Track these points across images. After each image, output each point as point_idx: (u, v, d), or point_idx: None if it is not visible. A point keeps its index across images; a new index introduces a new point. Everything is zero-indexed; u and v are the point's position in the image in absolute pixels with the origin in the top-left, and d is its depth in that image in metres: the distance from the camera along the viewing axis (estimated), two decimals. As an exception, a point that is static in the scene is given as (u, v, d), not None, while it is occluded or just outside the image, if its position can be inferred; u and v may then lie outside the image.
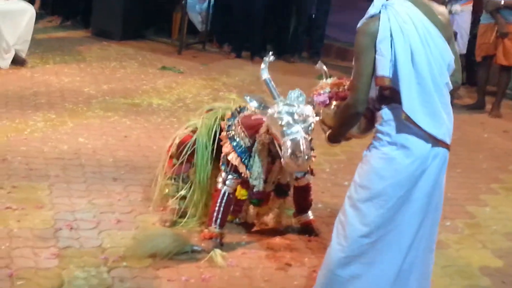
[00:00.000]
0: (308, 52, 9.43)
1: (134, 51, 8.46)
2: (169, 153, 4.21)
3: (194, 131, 4.20)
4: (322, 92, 3.36)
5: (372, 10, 3.04)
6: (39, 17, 8.67)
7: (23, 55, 7.12)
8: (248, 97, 3.84)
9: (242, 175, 3.94)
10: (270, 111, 3.69)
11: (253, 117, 4.02)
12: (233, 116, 4.10)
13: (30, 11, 7.14)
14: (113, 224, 4.07)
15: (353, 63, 3.10)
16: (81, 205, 4.25)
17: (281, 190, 4.23)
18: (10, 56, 6.95)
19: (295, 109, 3.62)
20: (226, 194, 3.95)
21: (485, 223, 4.86)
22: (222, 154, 4.01)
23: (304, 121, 3.61)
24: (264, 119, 3.86)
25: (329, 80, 3.40)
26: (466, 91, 8.53)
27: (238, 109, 4.16)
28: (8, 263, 3.53)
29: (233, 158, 3.93)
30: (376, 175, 3.08)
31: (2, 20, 6.80)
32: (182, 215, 4.17)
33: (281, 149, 3.64)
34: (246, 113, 4.11)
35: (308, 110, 3.62)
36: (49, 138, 5.25)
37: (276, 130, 3.66)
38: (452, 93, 3.20)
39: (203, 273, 3.70)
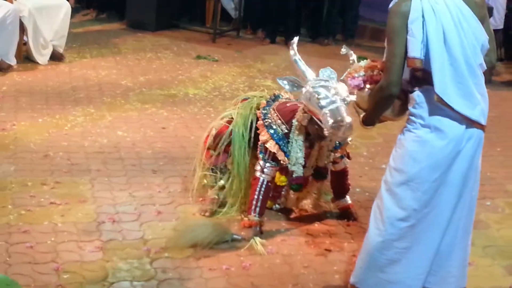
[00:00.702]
0: (343, 34, 9.38)
1: (168, 41, 8.52)
2: (206, 145, 4.26)
3: (230, 122, 4.24)
4: (356, 75, 3.33)
5: None
6: (74, 11, 8.83)
7: (61, 50, 7.22)
8: (281, 80, 3.89)
9: (281, 162, 3.98)
10: (304, 89, 3.77)
11: (288, 104, 4.07)
12: (268, 104, 4.14)
13: (66, 5, 7.24)
14: (154, 216, 4.15)
15: (385, 44, 3.09)
16: (122, 198, 4.34)
17: (319, 173, 4.26)
18: (48, 52, 7.06)
19: (329, 84, 3.72)
20: (265, 183, 3.99)
21: (526, 201, 4.83)
22: (260, 142, 4.04)
23: (339, 94, 3.70)
24: (299, 103, 3.92)
25: (363, 63, 3.38)
26: (504, 67, 8.42)
27: (273, 97, 4.21)
28: (54, 257, 3.63)
29: (271, 145, 3.96)
30: (410, 158, 3.08)
31: (39, 16, 6.90)
32: (222, 204, 4.23)
33: (321, 123, 3.70)
34: (281, 100, 4.15)
35: (341, 86, 3.72)
36: (89, 132, 5.35)
37: (314, 105, 3.72)
38: (487, 73, 3.18)
39: (243, 261, 3.76)
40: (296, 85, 3.84)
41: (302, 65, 3.86)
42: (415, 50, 2.97)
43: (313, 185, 4.35)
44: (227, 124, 4.25)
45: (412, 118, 3.10)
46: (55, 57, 7.13)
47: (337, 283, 3.68)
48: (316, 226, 4.23)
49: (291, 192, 4.29)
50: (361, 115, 3.35)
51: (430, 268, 3.23)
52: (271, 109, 4.07)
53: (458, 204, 3.14)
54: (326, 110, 3.66)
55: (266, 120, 4.03)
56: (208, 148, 4.26)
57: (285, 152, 3.96)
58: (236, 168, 4.17)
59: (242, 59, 8.01)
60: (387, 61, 3.05)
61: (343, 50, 3.79)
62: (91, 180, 4.54)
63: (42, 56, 7.00)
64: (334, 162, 4.20)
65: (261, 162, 4.02)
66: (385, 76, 3.08)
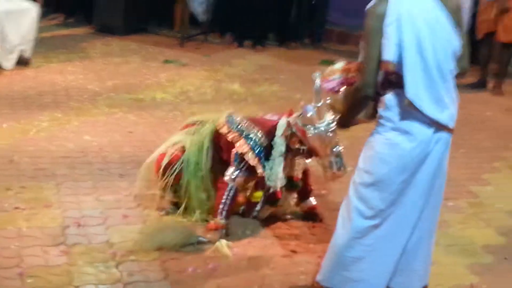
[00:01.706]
0: (310, 38, 9.45)
1: (137, 45, 8.52)
2: (157, 173, 4.18)
3: (182, 150, 4.17)
4: (331, 78, 3.37)
5: None
6: (42, 15, 8.75)
7: (27, 55, 7.16)
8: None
9: (257, 174, 3.99)
10: (315, 130, 3.75)
11: (257, 117, 4.15)
12: (230, 117, 4.13)
13: (34, 10, 7.17)
14: (120, 220, 4.15)
15: (360, 46, 3.12)
16: (88, 202, 4.33)
17: (291, 184, 4.24)
18: (14, 57, 6.99)
19: (333, 126, 3.73)
20: (233, 189, 4.00)
21: (488, 201, 4.92)
22: (235, 151, 3.99)
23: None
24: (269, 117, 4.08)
25: (338, 66, 3.41)
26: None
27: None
28: (18, 262, 3.61)
29: (251, 158, 3.93)
30: (379, 160, 3.14)
31: (6, 20, 6.82)
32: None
33: (320, 159, 3.88)
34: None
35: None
36: (56, 137, 5.33)
37: (323, 147, 3.80)
38: (459, 78, 3.21)
39: (209, 263, 3.78)
40: (307, 123, 3.82)
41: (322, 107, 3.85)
42: (388, 53, 3.00)
43: (285, 196, 4.36)
44: (178, 152, 4.16)
45: (382, 121, 3.15)
46: (22, 62, 7.08)
47: (302, 283, 3.71)
48: (282, 228, 4.26)
49: (267, 206, 4.30)
50: (337, 117, 3.40)
51: (396, 267, 3.28)
52: (242, 120, 4.07)
53: (424, 205, 3.20)
54: (333, 156, 3.82)
55: (242, 130, 4.00)
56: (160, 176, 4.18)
57: (263, 166, 3.96)
58: (193, 191, 4.14)
59: (210, 63, 8.04)
60: (363, 62, 3.09)
61: (314, 76, 3.84)
62: (57, 184, 4.53)
63: (8, 61, 6.92)
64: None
65: (233, 170, 4.00)
66: (361, 78, 3.11)
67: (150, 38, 8.98)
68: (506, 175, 5.44)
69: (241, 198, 4.32)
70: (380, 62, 3.04)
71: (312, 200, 4.38)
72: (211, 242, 3.94)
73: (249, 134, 3.97)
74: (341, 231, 3.28)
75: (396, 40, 2.99)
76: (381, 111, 3.15)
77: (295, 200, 4.44)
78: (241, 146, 3.96)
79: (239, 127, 4.01)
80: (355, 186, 3.23)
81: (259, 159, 3.94)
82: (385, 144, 3.12)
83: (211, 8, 9.31)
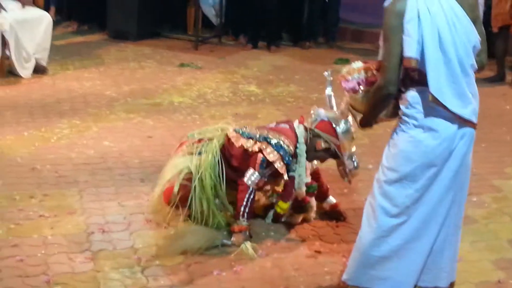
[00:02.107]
0: (324, 37, 9.43)
1: (151, 50, 8.53)
2: (168, 205, 4.11)
3: (189, 177, 4.08)
4: (350, 78, 3.33)
5: None
6: (56, 23, 8.79)
7: (44, 63, 7.20)
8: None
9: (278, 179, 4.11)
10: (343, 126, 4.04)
11: (277, 126, 4.15)
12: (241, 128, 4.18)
13: (47, 18, 7.21)
14: (143, 224, 4.16)
15: (379, 42, 3.11)
16: (111, 208, 4.35)
17: (308, 187, 4.24)
18: (31, 65, 7.04)
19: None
20: (253, 191, 4.00)
21: (512, 195, 4.89)
22: (262, 157, 3.95)
23: None
24: (283, 124, 4.15)
25: (356, 65, 3.38)
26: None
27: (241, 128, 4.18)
28: (45, 269, 3.63)
29: (280, 166, 3.95)
30: (404, 158, 3.12)
31: (20, 30, 6.87)
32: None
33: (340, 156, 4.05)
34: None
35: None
36: (76, 144, 5.35)
37: (347, 144, 4.04)
38: (477, 73, 3.19)
39: (234, 266, 3.77)
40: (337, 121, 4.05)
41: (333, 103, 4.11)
42: (411, 50, 2.98)
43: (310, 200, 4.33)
44: (186, 182, 4.07)
45: (405, 118, 3.13)
46: (38, 70, 7.11)
47: (327, 284, 3.70)
48: (305, 228, 4.25)
49: (296, 214, 4.29)
50: (358, 117, 3.37)
51: (424, 266, 3.26)
52: (264, 130, 4.07)
53: (451, 201, 3.18)
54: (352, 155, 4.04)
55: (269, 139, 3.97)
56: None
57: (288, 172, 4.03)
58: (207, 208, 4.07)
59: (225, 65, 8.04)
60: (384, 60, 3.07)
61: (325, 74, 4.05)
62: (79, 191, 4.55)
63: (25, 70, 6.97)
64: (339, 164, 4.21)
65: (256, 174, 3.97)
66: (383, 75, 3.09)
67: (164, 42, 8.99)
68: (529, 168, 5.40)
69: (263, 200, 4.33)
70: (401, 59, 3.02)
71: (332, 199, 4.39)
72: (236, 245, 3.93)
73: (277, 142, 3.96)
74: (367, 230, 3.26)
75: (417, 37, 2.97)
76: (403, 108, 3.13)
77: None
78: (270, 154, 3.94)
79: (263, 135, 4.00)
80: (379, 184, 3.22)
81: (287, 167, 3.99)
82: (409, 142, 3.11)
83: (223, 10, 9.32)
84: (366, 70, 3.30)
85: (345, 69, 3.41)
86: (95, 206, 4.35)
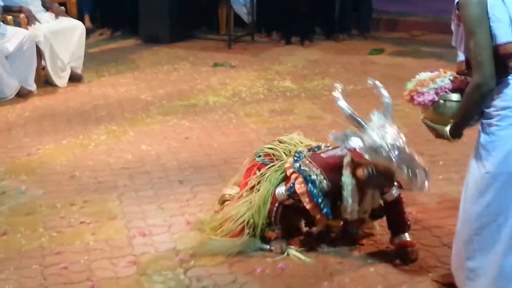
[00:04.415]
0: (357, 28, 9.34)
1: (184, 52, 8.55)
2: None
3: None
4: (425, 90, 3.11)
5: None
6: (89, 32, 8.91)
7: (79, 71, 7.27)
8: (334, 136, 3.55)
9: (317, 220, 3.78)
10: (364, 144, 3.44)
11: (322, 154, 3.79)
12: (299, 153, 3.88)
13: (80, 27, 7.29)
14: (184, 226, 4.15)
15: (453, 43, 2.95)
16: (151, 211, 4.35)
17: (375, 214, 3.90)
18: (66, 74, 7.11)
19: (387, 132, 3.42)
20: (281, 205, 3.83)
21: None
22: (291, 182, 3.74)
23: (400, 136, 3.45)
24: (335, 151, 3.72)
25: (425, 76, 3.17)
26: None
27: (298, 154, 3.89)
28: (89, 275, 3.64)
29: (305, 201, 3.69)
30: (508, 155, 2.90)
31: (54, 40, 6.95)
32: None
33: (392, 174, 3.48)
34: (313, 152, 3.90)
35: (393, 126, 3.49)
36: (113, 149, 5.37)
37: (381, 159, 3.41)
38: None
39: (278, 263, 3.74)
40: (350, 138, 3.49)
41: (356, 116, 3.48)
42: (505, 35, 2.81)
43: (368, 223, 4.03)
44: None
45: (503, 112, 2.89)
46: (74, 78, 7.18)
47: (373, 276, 3.64)
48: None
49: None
50: (447, 128, 3.07)
51: None
52: (304, 158, 3.79)
53: None
54: (399, 164, 3.37)
55: (302, 169, 3.72)
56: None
57: (321, 209, 3.68)
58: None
59: (259, 62, 8.01)
60: (477, 55, 2.84)
61: (369, 82, 3.65)
62: (119, 196, 4.56)
63: (61, 79, 7.05)
64: (382, 193, 3.78)
65: (284, 193, 3.78)
66: (479, 72, 2.85)
67: (197, 43, 9.00)
68: None
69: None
70: (495, 48, 2.82)
71: (406, 236, 3.83)
72: (277, 252, 3.84)
73: (309, 176, 3.66)
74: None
75: (508, 19, 2.81)
76: (498, 102, 2.90)
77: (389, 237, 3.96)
78: (299, 185, 3.70)
79: (301, 167, 3.74)
80: (478, 186, 3.01)
81: (317, 204, 3.67)
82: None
83: (255, 8, 9.29)
84: (439, 77, 3.11)
85: (411, 83, 3.21)
86: (135, 210, 4.36)
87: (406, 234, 3.82)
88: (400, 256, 3.77)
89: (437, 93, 3.08)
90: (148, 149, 5.37)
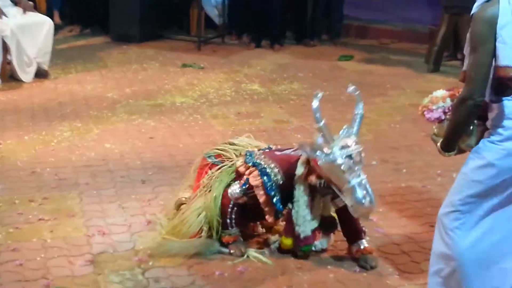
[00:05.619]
0: (328, 34, 9.37)
1: (154, 51, 8.49)
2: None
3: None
4: (434, 107, 3.14)
5: None
6: (59, 27, 8.82)
7: (45, 67, 7.18)
8: (303, 149, 3.61)
9: (266, 215, 3.78)
10: (325, 157, 3.49)
11: (276, 152, 3.83)
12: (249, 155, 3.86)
13: (48, 22, 7.21)
14: (144, 226, 4.11)
15: (464, 51, 2.96)
16: (111, 210, 4.30)
17: (327, 224, 3.87)
18: (32, 70, 7.02)
19: (351, 150, 3.48)
20: (236, 205, 3.80)
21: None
22: (246, 177, 3.75)
23: (361, 159, 3.51)
24: (289, 151, 3.75)
25: (439, 93, 3.19)
26: None
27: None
28: (45, 273, 3.59)
29: (259, 194, 3.71)
30: (493, 169, 2.91)
31: (21, 35, 6.87)
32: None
33: (341, 193, 3.53)
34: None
35: (356, 143, 3.53)
36: (76, 146, 5.31)
37: (337, 176, 3.49)
38: None
39: (237, 266, 3.72)
40: (316, 150, 3.53)
41: (323, 126, 3.52)
42: (507, 58, 2.80)
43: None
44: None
45: (499, 130, 2.91)
46: (40, 74, 7.10)
47: (332, 282, 3.64)
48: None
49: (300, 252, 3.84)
50: (439, 142, 3.12)
51: None
52: (259, 154, 3.81)
53: None
54: (353, 187, 3.44)
55: (257, 163, 3.74)
56: None
57: (274, 204, 3.71)
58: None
59: (228, 65, 7.99)
60: (471, 70, 2.86)
61: (350, 90, 3.70)
62: (79, 194, 4.51)
63: (26, 74, 6.96)
64: (333, 198, 3.73)
65: (237, 190, 3.77)
66: (468, 86, 2.88)
67: (166, 43, 8.95)
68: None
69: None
70: (495, 68, 2.83)
71: (363, 243, 3.82)
72: (238, 255, 3.81)
73: (264, 168, 3.70)
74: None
75: None
76: (495, 120, 2.92)
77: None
78: (254, 178, 3.72)
79: (256, 161, 3.77)
80: (461, 196, 3.00)
81: (270, 198, 3.70)
82: (501, 153, 2.90)
83: (226, 10, 9.28)
84: (452, 97, 3.12)
85: (426, 99, 3.22)
86: (95, 209, 4.31)
87: (363, 240, 3.81)
88: (359, 263, 3.77)
89: (444, 112, 3.12)
90: (112, 148, 5.32)
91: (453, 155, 3.11)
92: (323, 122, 3.52)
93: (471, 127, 3.00)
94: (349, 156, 3.47)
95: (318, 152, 3.52)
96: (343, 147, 3.49)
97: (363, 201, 3.44)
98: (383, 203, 4.45)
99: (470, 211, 2.98)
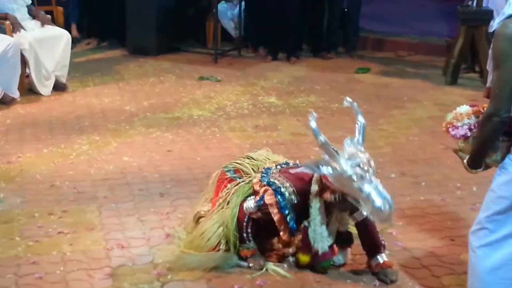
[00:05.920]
0: (344, 46, 9.37)
1: (170, 64, 8.53)
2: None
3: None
4: (459, 124, 3.12)
5: (510, 9, 2.79)
6: (76, 41, 8.88)
7: (63, 80, 7.24)
8: (308, 167, 3.58)
9: (281, 234, 3.77)
10: (334, 171, 3.46)
11: (291, 170, 3.81)
12: (266, 169, 3.90)
13: (66, 36, 7.26)
14: (163, 239, 4.11)
15: (487, 67, 2.93)
16: (130, 223, 4.31)
17: (343, 239, 3.85)
18: (50, 83, 7.08)
19: (358, 160, 3.45)
20: (250, 219, 3.81)
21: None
22: (261, 194, 3.74)
23: (370, 165, 3.47)
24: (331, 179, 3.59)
25: (463, 109, 3.17)
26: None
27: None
28: (64, 286, 3.60)
29: (274, 212, 3.71)
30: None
31: (39, 48, 6.92)
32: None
33: (358, 203, 3.51)
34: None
35: (362, 151, 3.51)
36: (95, 160, 5.33)
37: (350, 188, 3.45)
38: None
39: (256, 280, 3.71)
40: (323, 166, 3.50)
41: (325, 142, 3.50)
42: None
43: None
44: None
45: None
46: (58, 87, 7.15)
47: (351, 295, 3.63)
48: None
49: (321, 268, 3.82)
50: (465, 159, 3.10)
51: None
52: (273, 173, 3.82)
53: None
54: (369, 194, 3.39)
55: (272, 182, 3.74)
56: None
57: (288, 222, 3.71)
58: None
59: (245, 77, 8.00)
60: (496, 88, 2.84)
61: (346, 103, 3.69)
62: (98, 207, 4.52)
63: (45, 87, 7.01)
64: (351, 212, 3.73)
65: (253, 207, 3.76)
66: (493, 103, 2.85)
67: (183, 56, 8.99)
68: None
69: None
70: None
71: (383, 257, 3.78)
72: (257, 269, 3.80)
73: (278, 188, 3.69)
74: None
75: None
76: None
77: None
78: (268, 196, 3.72)
79: (270, 180, 3.76)
80: (490, 212, 2.96)
81: (284, 217, 3.70)
82: None
83: (242, 23, 9.31)
84: (476, 114, 3.11)
85: (450, 115, 3.20)
86: (114, 222, 4.31)
87: (383, 254, 3.78)
88: (379, 277, 3.75)
89: (470, 129, 3.10)
90: (130, 161, 5.33)
91: (480, 171, 3.07)
92: (323, 139, 3.50)
93: (497, 143, 2.97)
94: (358, 165, 3.44)
95: (325, 168, 3.49)
96: (349, 158, 3.47)
97: (382, 207, 3.39)
98: (402, 216, 4.43)
99: (497, 229, 2.94)
